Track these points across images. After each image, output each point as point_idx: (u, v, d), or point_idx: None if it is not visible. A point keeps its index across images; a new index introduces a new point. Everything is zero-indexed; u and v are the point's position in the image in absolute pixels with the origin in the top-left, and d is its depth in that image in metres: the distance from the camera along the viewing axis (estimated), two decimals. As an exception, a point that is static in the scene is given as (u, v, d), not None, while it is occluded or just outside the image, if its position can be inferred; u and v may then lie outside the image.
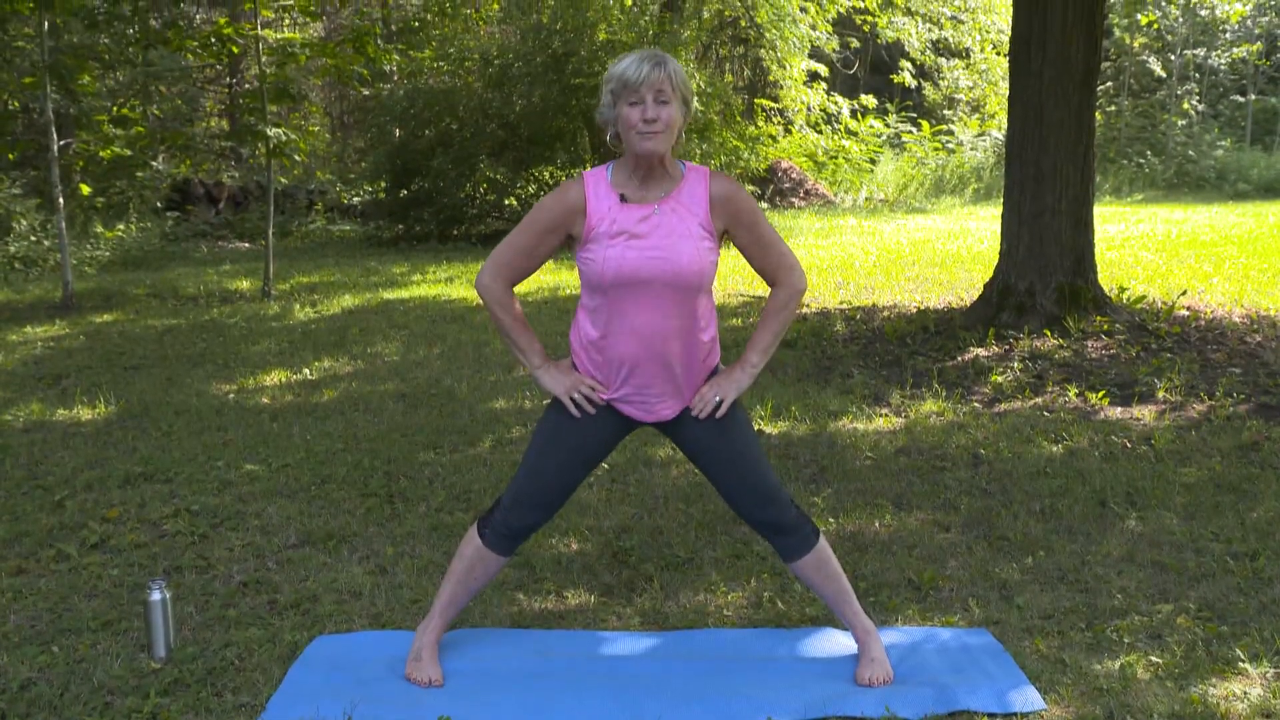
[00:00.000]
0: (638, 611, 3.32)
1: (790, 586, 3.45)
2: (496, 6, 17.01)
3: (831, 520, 4.02)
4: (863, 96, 22.63)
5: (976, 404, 5.65)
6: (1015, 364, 6.34)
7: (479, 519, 2.91)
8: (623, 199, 2.66)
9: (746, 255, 2.79)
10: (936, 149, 22.61)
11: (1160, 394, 5.68)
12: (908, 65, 21.39)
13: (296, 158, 10.88)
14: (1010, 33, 7.32)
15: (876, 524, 4.00)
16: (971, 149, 22.92)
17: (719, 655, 3.03)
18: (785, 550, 2.88)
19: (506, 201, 14.94)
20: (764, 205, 17.27)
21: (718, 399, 2.75)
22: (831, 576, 2.90)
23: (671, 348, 2.68)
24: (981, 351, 6.68)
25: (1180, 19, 23.98)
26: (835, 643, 3.08)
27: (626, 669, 2.95)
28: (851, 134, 21.90)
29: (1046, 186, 7.00)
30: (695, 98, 13.47)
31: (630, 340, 2.67)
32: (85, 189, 11.96)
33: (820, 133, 21.21)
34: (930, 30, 20.45)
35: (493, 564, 2.90)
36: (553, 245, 2.73)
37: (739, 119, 15.43)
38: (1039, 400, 5.67)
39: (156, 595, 3.00)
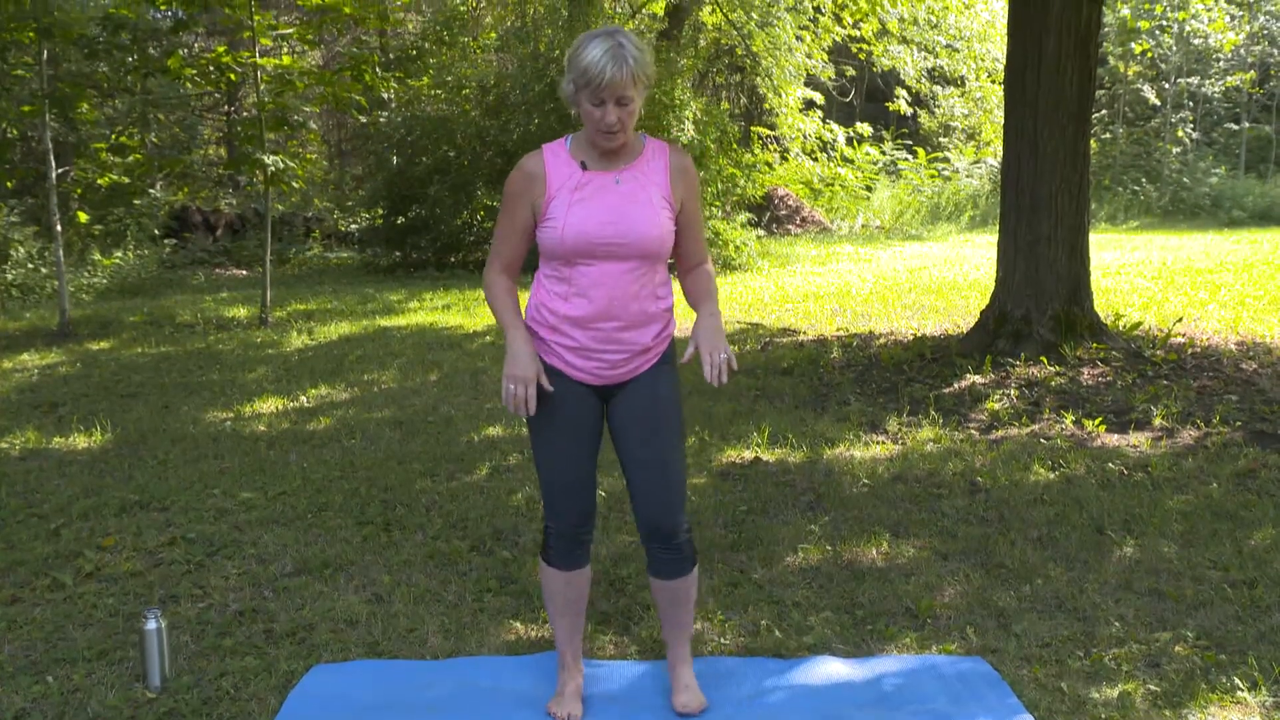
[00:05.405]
0: (635, 640, 3.32)
1: (787, 615, 3.44)
2: (494, 35, 17.12)
3: (828, 548, 4.02)
4: (858, 124, 22.71)
5: (973, 431, 5.65)
6: (1011, 391, 6.35)
7: (541, 552, 2.91)
8: (583, 166, 2.66)
9: (679, 231, 2.76)
10: (932, 176, 22.70)
11: (1156, 421, 5.68)
12: (903, 93, 21.47)
13: (294, 185, 10.91)
14: (1005, 61, 7.37)
15: (873, 551, 3.99)
16: (967, 176, 23.02)
17: (715, 684, 3.02)
18: (667, 566, 2.83)
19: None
20: (760, 232, 17.28)
21: (723, 356, 2.60)
22: (684, 604, 2.89)
23: (628, 312, 2.67)
24: (978, 379, 6.69)
25: (1174, 48, 24.16)
26: (833, 671, 3.07)
27: (624, 698, 2.95)
28: (847, 161, 21.98)
29: (1042, 214, 7.03)
30: (693, 121, 13.67)
31: (587, 304, 2.66)
32: (83, 216, 11.96)
33: (816, 160, 21.28)
34: (926, 59, 20.55)
35: (576, 579, 2.89)
36: (527, 217, 2.70)
37: (735, 146, 15.45)
38: (1035, 427, 5.67)
39: (152, 624, 3.00)
